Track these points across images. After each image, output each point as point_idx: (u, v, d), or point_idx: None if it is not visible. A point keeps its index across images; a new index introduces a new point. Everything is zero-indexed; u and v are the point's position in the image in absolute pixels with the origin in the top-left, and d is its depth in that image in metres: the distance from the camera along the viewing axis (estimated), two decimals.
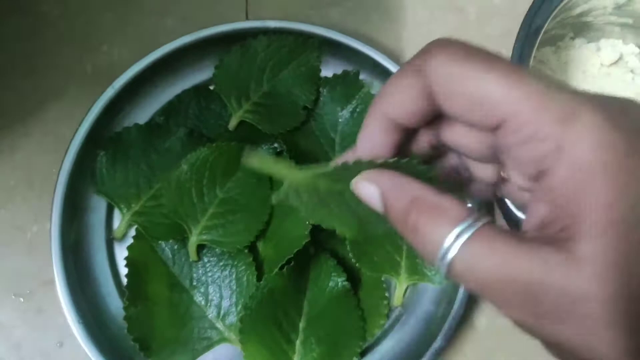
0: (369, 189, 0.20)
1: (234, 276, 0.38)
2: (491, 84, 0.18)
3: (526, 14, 0.35)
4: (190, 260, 0.38)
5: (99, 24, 0.44)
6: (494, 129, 0.18)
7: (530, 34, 0.35)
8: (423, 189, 0.19)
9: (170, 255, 0.39)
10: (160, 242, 0.38)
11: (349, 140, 0.41)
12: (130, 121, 0.41)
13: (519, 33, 0.34)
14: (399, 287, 0.39)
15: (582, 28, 0.43)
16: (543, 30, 0.35)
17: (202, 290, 0.38)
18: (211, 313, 0.38)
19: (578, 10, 0.41)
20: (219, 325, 0.38)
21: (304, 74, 0.42)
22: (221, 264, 0.38)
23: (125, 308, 0.36)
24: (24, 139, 0.41)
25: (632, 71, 0.43)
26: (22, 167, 0.41)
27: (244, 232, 0.38)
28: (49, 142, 0.41)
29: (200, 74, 0.43)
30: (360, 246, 0.39)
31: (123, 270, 0.39)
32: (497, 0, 0.48)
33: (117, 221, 0.40)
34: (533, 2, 0.35)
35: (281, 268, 0.36)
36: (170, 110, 0.41)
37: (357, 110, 0.42)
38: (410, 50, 0.46)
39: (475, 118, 0.18)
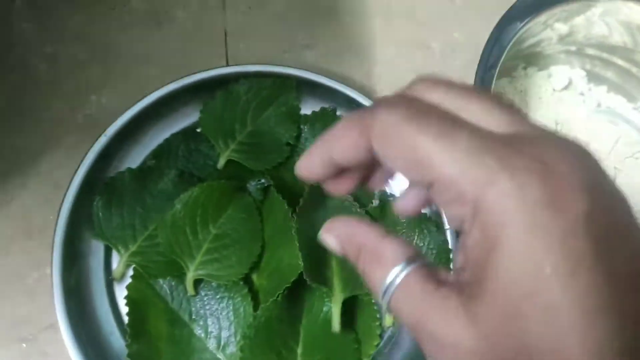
0: (331, 239, 0.23)
1: (231, 308, 0.40)
2: (422, 148, 0.18)
3: (482, 52, 0.39)
4: (188, 295, 0.40)
5: (86, 76, 0.47)
6: (428, 187, 0.19)
7: (487, 69, 0.38)
8: (368, 235, 0.22)
9: (168, 292, 0.40)
10: (158, 279, 0.40)
11: None
12: (123, 166, 0.43)
13: (477, 70, 0.38)
14: None
15: (532, 58, 0.48)
16: (500, 63, 0.38)
17: (201, 323, 0.40)
18: (212, 345, 0.40)
19: (527, 43, 0.45)
20: (220, 356, 0.39)
21: (285, 113, 0.45)
22: (218, 297, 0.40)
23: (128, 346, 0.38)
24: (21, 190, 0.43)
25: (582, 94, 0.48)
26: (19, 217, 0.42)
27: (238, 265, 0.40)
28: (45, 191, 0.43)
29: (187, 118, 0.45)
30: (350, 272, 0.41)
31: (124, 310, 0.40)
32: (457, 35, 0.52)
33: (116, 263, 0.42)
34: (488, 40, 0.39)
35: (276, 297, 0.38)
36: (160, 153, 0.44)
37: None
38: (380, 85, 0.50)
39: (411, 177, 0.20)
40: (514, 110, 0.20)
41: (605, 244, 0.17)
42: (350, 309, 0.41)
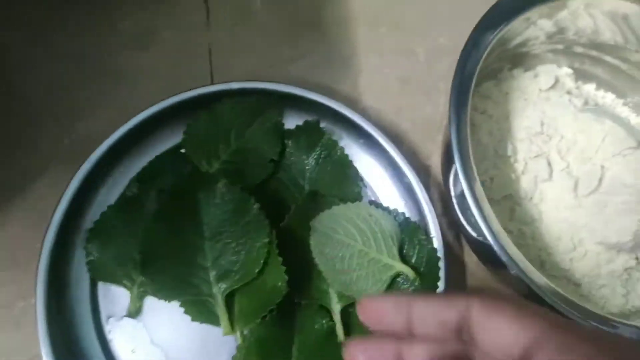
0: None
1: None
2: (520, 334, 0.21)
3: (459, 58, 0.38)
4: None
5: (72, 99, 0.47)
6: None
7: (465, 75, 0.37)
8: None
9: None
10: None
11: (317, 185, 0.44)
12: (109, 191, 0.43)
13: (454, 77, 0.37)
14: None
15: (518, 58, 0.47)
16: (475, 74, 0.37)
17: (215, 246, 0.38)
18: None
19: (513, 43, 0.44)
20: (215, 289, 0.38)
21: (269, 129, 0.44)
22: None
23: None
24: (8, 216, 0.43)
25: (568, 92, 0.46)
26: (6, 245, 0.42)
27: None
28: (32, 218, 0.43)
29: (173, 139, 0.45)
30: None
31: (111, 338, 0.40)
32: (442, 40, 0.51)
33: (102, 292, 0.41)
34: (465, 46, 0.38)
35: (263, 317, 0.37)
36: (144, 176, 0.43)
37: (322, 156, 0.44)
38: (367, 95, 0.49)
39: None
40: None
41: None
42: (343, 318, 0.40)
